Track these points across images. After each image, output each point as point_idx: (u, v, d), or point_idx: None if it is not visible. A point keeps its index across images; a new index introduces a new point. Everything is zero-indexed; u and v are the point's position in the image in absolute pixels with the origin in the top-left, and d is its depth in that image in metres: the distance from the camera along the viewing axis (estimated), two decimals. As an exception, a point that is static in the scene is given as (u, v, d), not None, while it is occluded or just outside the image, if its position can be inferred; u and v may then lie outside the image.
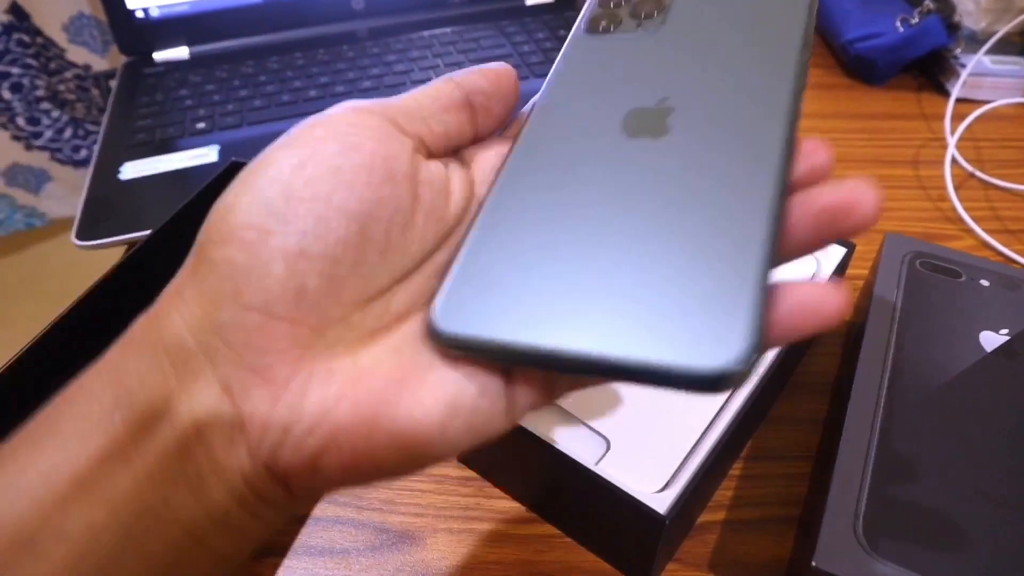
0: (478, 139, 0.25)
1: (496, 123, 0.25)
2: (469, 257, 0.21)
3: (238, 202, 0.19)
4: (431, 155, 0.23)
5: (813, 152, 0.20)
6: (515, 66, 0.66)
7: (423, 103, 0.23)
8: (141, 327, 0.20)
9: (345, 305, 0.20)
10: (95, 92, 0.86)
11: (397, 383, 0.19)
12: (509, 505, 0.36)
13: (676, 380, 0.17)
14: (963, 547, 0.28)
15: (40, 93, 0.83)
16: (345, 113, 0.21)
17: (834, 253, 0.42)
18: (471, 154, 0.25)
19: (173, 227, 0.44)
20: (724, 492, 0.37)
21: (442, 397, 0.18)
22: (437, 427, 0.18)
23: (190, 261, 0.20)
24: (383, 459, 0.18)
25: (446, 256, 0.22)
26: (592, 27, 0.26)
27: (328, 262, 0.19)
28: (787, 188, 0.20)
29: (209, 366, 0.19)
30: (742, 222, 0.19)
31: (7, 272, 0.98)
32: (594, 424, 0.34)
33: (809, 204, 0.19)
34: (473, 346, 0.19)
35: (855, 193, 0.19)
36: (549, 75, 0.25)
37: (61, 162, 0.90)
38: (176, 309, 0.19)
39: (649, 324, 0.18)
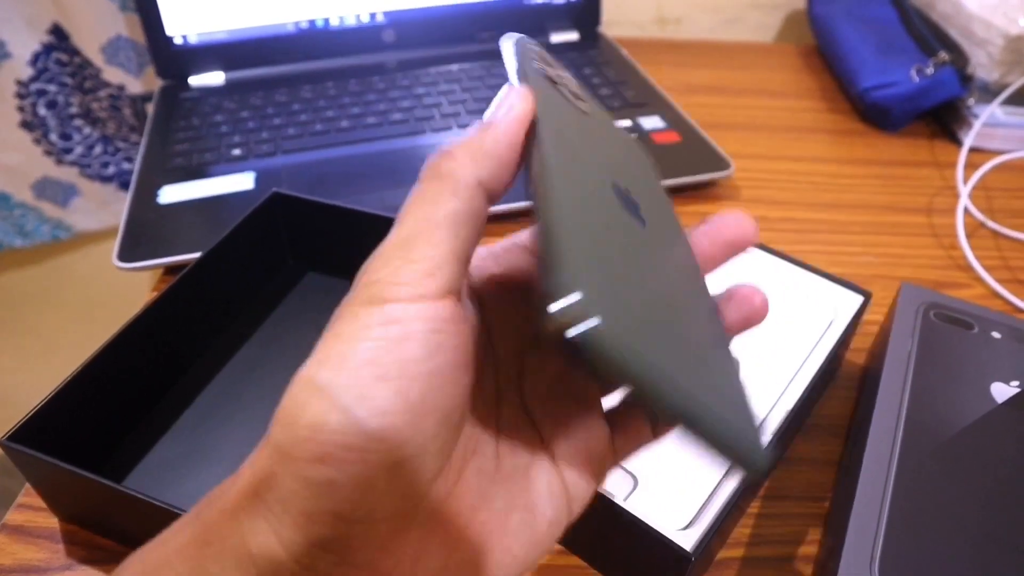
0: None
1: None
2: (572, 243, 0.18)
3: (327, 421, 0.18)
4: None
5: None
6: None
7: (450, 237, 0.21)
8: (218, 526, 0.19)
9: (429, 483, 0.20)
10: (127, 111, 0.88)
11: (482, 549, 0.22)
12: (536, 536, 0.38)
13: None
14: (975, 593, 0.30)
15: (73, 110, 0.86)
16: (413, 308, 0.20)
17: (852, 301, 0.43)
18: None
19: (217, 255, 0.45)
20: (742, 530, 0.38)
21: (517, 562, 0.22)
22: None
23: (268, 464, 0.19)
24: None
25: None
26: (547, 76, 0.26)
27: (422, 460, 0.20)
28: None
29: (309, 574, 0.19)
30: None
31: (31, 282, 1.00)
32: (623, 462, 0.36)
33: (714, 236, 0.26)
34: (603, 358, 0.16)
35: (744, 229, 0.26)
36: (537, 92, 0.24)
37: (90, 177, 0.92)
38: (262, 517, 0.19)
39: (719, 409, 0.18)
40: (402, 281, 0.20)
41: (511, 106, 0.23)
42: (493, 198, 0.22)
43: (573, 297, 0.15)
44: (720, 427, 0.17)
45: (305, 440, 0.18)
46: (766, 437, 0.23)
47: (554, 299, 0.15)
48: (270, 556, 0.19)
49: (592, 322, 0.15)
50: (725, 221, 0.26)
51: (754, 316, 0.25)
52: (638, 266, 0.20)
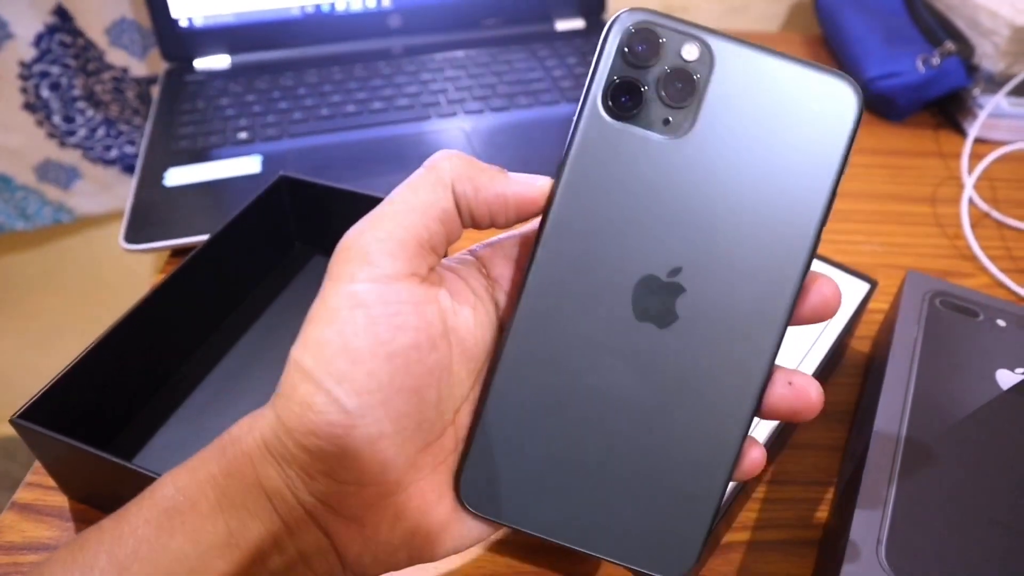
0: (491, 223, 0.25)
1: (506, 222, 0.25)
2: (485, 444, 0.25)
3: (314, 401, 0.22)
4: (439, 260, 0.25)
5: (819, 294, 0.24)
6: (545, 89, 0.68)
7: (419, 224, 0.23)
8: (240, 464, 0.23)
9: (414, 455, 0.24)
10: (130, 94, 0.88)
11: (442, 528, 0.25)
12: (543, 518, 0.38)
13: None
14: (980, 573, 0.30)
15: (76, 93, 0.85)
16: (376, 289, 0.22)
17: (858, 288, 0.44)
18: (491, 262, 0.26)
19: (225, 238, 0.45)
20: (748, 513, 0.39)
21: (461, 544, 0.25)
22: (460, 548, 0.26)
23: (273, 427, 0.23)
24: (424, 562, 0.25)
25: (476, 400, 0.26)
26: (615, 103, 0.24)
27: (400, 434, 0.23)
28: (765, 387, 0.25)
29: (310, 518, 0.23)
30: (716, 449, 0.24)
31: (30, 265, 1.00)
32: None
33: (773, 405, 0.25)
34: (492, 520, 0.25)
35: (808, 403, 0.24)
36: (566, 170, 0.24)
37: (92, 161, 0.91)
38: (272, 467, 0.23)
39: (624, 532, 0.25)
40: (368, 259, 0.22)
41: (528, 186, 0.24)
42: (466, 219, 0.25)
43: (463, 489, 0.25)
44: (613, 551, 0.25)
45: (298, 416, 0.22)
46: (694, 547, 0.25)
47: (456, 483, 0.25)
48: (282, 496, 0.23)
49: (465, 502, 0.25)
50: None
51: (807, 409, 0.25)
52: (571, 427, 0.25)
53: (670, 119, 0.23)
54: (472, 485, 0.25)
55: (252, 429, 0.23)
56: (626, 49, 0.23)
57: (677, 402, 0.24)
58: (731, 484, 0.33)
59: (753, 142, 0.23)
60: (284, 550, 0.23)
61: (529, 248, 0.25)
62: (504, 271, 0.26)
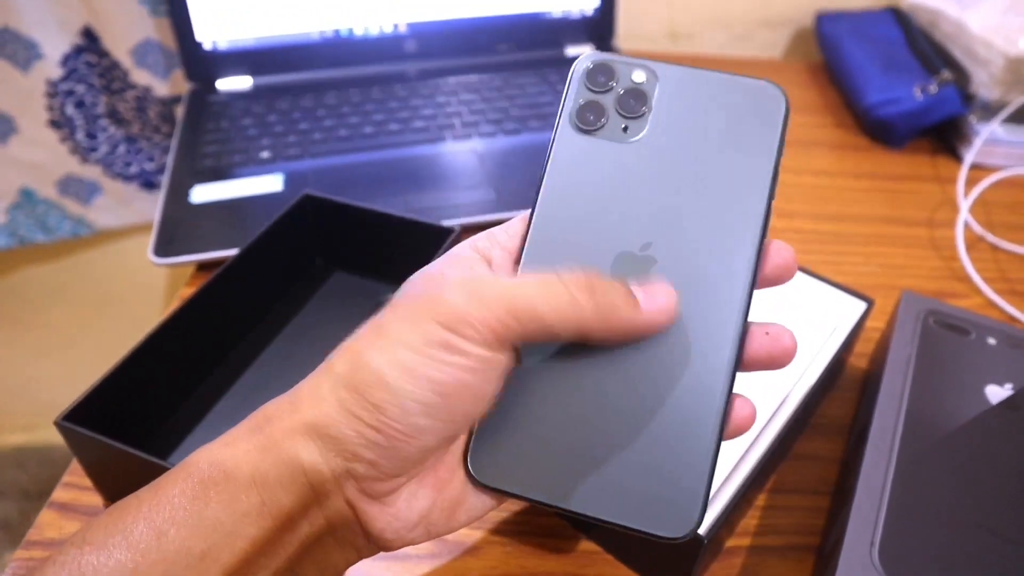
0: None
1: None
2: (494, 420, 0.27)
3: (390, 409, 0.24)
4: None
5: (778, 256, 0.28)
6: (556, 114, 0.71)
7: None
8: (278, 440, 0.25)
9: (441, 448, 0.27)
10: (152, 113, 0.91)
11: (456, 502, 0.27)
12: (556, 522, 0.40)
13: (648, 539, 0.26)
14: (968, 574, 0.32)
15: (100, 110, 0.88)
16: (481, 353, 0.25)
17: (855, 307, 0.46)
18: (489, 253, 0.29)
19: (252, 253, 0.48)
20: (749, 520, 0.41)
21: (475, 515, 0.28)
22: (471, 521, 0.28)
23: (332, 411, 0.24)
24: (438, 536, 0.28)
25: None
26: (581, 121, 0.29)
27: (444, 445, 0.26)
28: (743, 341, 0.27)
29: (340, 490, 0.25)
30: (704, 405, 0.26)
31: (49, 277, 1.02)
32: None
33: (755, 353, 0.27)
34: (500, 491, 0.27)
35: (784, 347, 0.27)
36: (544, 179, 0.29)
37: (112, 176, 0.94)
38: (315, 445, 0.24)
39: (629, 497, 0.26)
40: (475, 321, 0.24)
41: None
42: None
43: (473, 464, 0.27)
44: (618, 516, 0.26)
45: (368, 412, 0.24)
46: (695, 506, 0.26)
47: (468, 461, 0.27)
48: (316, 471, 0.24)
49: (476, 476, 0.27)
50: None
51: (783, 353, 0.28)
52: (572, 397, 0.27)
53: (628, 127, 0.29)
54: (481, 460, 0.27)
55: (296, 410, 0.25)
56: (587, 80, 0.29)
57: (666, 364, 0.27)
58: (734, 489, 0.36)
59: (700, 137, 0.28)
60: (314, 520, 0.25)
61: (520, 240, 0.29)
62: (501, 259, 0.29)
